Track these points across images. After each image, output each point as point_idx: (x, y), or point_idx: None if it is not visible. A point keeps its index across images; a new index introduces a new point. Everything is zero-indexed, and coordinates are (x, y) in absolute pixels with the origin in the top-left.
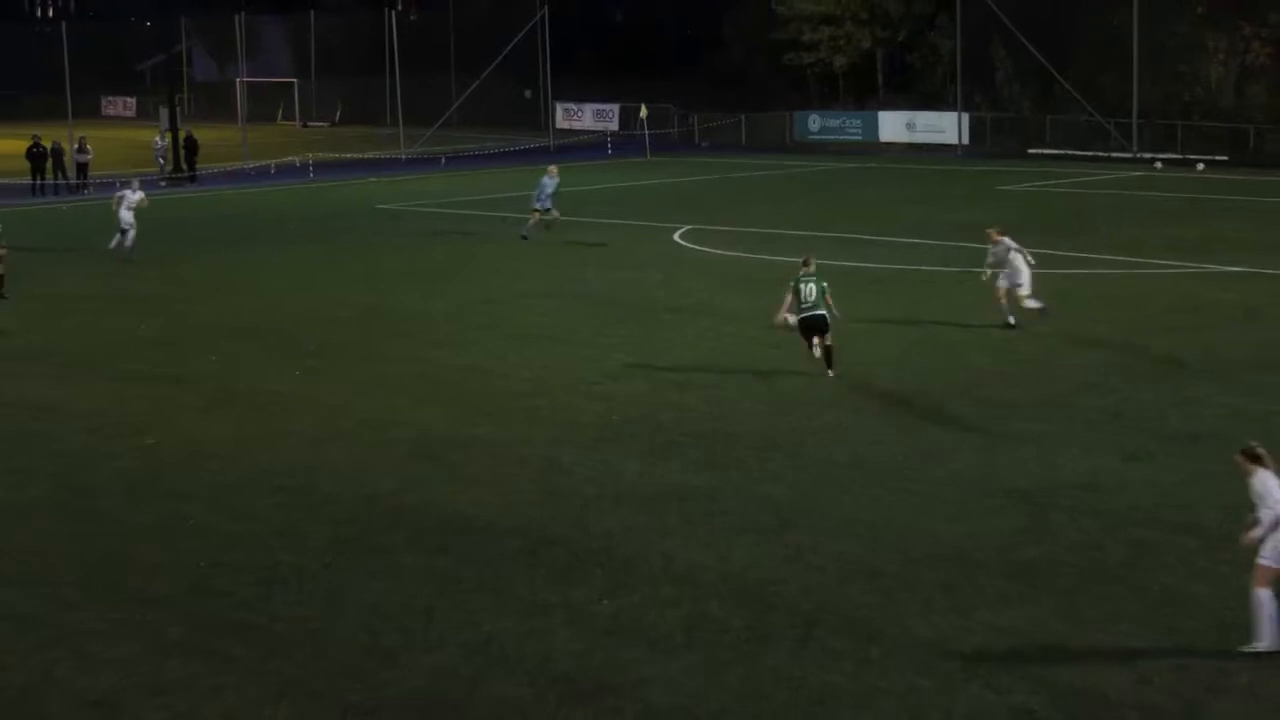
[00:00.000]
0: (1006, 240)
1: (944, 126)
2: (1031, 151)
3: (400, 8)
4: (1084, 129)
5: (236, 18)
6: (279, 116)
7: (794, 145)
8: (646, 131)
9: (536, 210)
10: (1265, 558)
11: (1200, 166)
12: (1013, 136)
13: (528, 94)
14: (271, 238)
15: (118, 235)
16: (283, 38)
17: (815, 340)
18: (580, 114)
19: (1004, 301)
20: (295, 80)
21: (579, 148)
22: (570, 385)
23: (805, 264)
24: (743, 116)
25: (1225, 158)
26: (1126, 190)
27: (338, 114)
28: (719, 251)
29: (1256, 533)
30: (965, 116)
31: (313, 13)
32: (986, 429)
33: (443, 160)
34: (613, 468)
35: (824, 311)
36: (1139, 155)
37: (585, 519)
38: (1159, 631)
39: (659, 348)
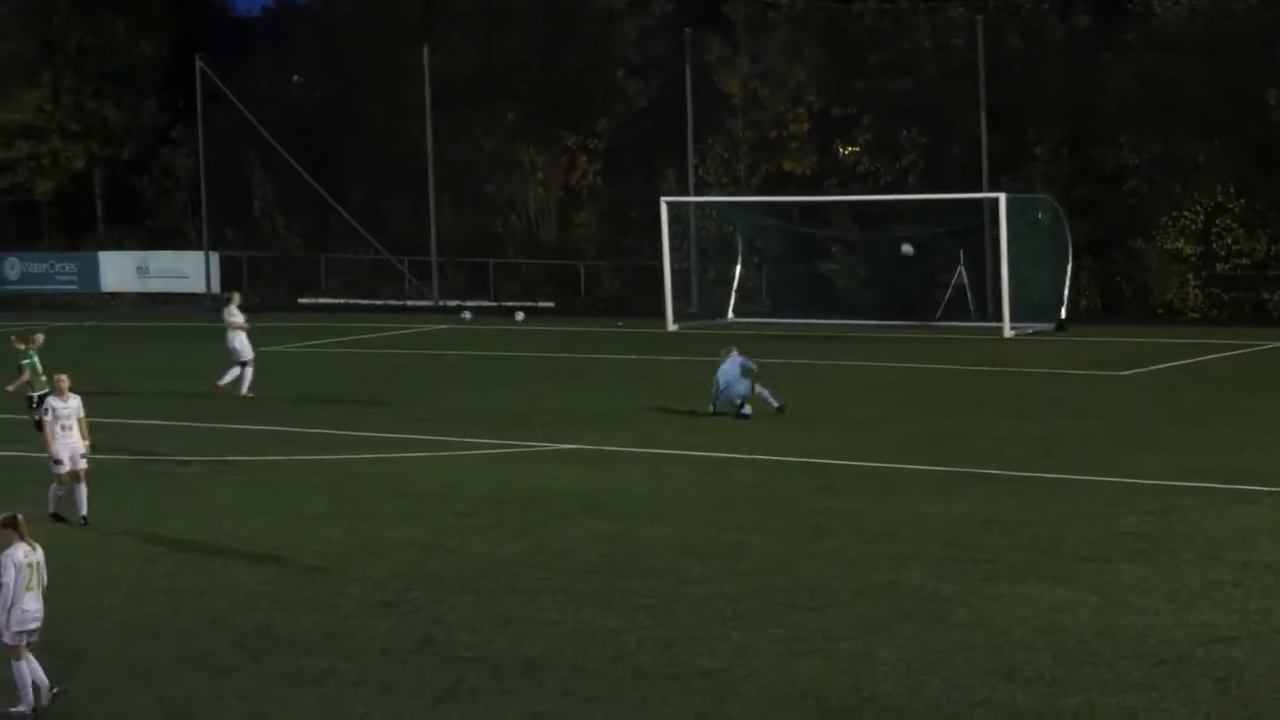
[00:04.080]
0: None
1: (187, 270)
2: (304, 301)
3: None
4: (371, 270)
5: None
6: None
7: None
8: None
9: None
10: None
11: (520, 316)
12: (280, 282)
13: None
14: None
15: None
16: None
17: None
18: None
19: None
20: None
21: None
22: None
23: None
24: None
25: (551, 304)
26: (428, 349)
27: None
28: None
29: None
30: (214, 257)
31: None
32: (254, 669)
33: None
34: None
35: None
36: (441, 303)
37: None
38: None
39: None
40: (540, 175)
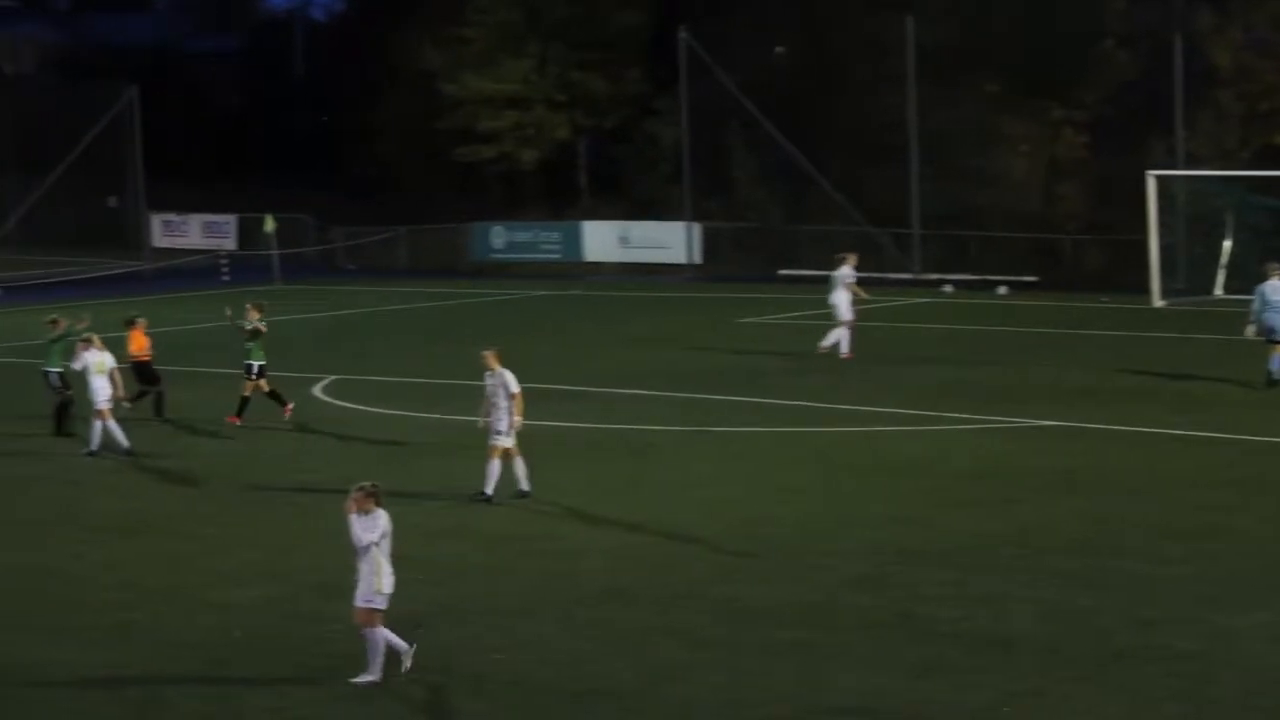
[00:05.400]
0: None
1: (669, 241)
2: (783, 273)
3: None
4: (850, 243)
5: None
6: None
7: (471, 267)
8: (274, 251)
9: None
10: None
11: (1001, 290)
12: (759, 254)
13: (112, 202)
14: None
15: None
16: None
17: None
18: (185, 228)
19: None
20: None
21: (185, 273)
22: (175, 593)
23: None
24: (401, 230)
25: (1033, 278)
26: (907, 322)
27: None
28: (373, 409)
29: None
30: (697, 228)
31: None
32: (731, 640)
33: None
34: (234, 700)
35: None
36: (922, 277)
37: None
38: None
39: (290, 540)
40: (1024, 147)
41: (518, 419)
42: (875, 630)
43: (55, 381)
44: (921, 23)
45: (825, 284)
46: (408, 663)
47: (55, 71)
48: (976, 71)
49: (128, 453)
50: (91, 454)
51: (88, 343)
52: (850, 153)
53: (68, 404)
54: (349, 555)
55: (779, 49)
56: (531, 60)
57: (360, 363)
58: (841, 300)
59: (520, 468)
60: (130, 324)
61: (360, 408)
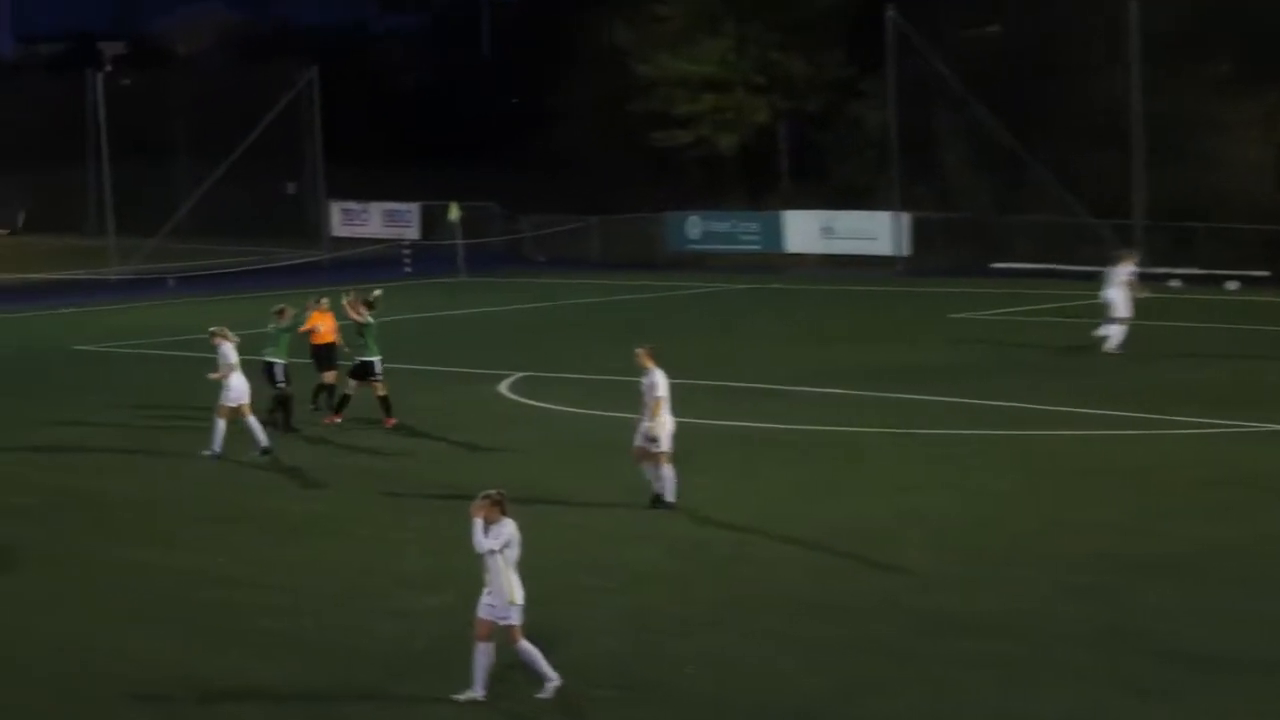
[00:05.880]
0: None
1: (876, 231)
2: (995, 266)
3: (110, 68)
4: (1068, 234)
5: None
6: None
7: (667, 259)
8: (459, 241)
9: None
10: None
11: (1232, 285)
12: (970, 245)
13: (289, 189)
14: None
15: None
16: None
17: None
18: (365, 216)
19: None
20: None
21: (365, 263)
22: (351, 600)
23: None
24: (594, 220)
25: (1265, 273)
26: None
27: (20, 218)
28: (562, 409)
29: None
30: (905, 218)
31: None
32: (932, 653)
33: (170, 282)
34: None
35: None
36: (1146, 270)
37: None
38: None
39: (470, 545)
40: (1254, 133)
41: (650, 423)
42: (1089, 644)
43: (279, 375)
44: (1147, 2)
45: (1038, 277)
46: (549, 692)
47: (233, 52)
48: (1204, 52)
49: (264, 451)
50: (216, 456)
51: (223, 336)
52: (1067, 138)
53: (287, 400)
54: (530, 563)
55: (991, 27)
56: (729, 40)
57: (550, 359)
58: (1118, 297)
59: (665, 473)
60: (316, 305)
61: (548, 406)
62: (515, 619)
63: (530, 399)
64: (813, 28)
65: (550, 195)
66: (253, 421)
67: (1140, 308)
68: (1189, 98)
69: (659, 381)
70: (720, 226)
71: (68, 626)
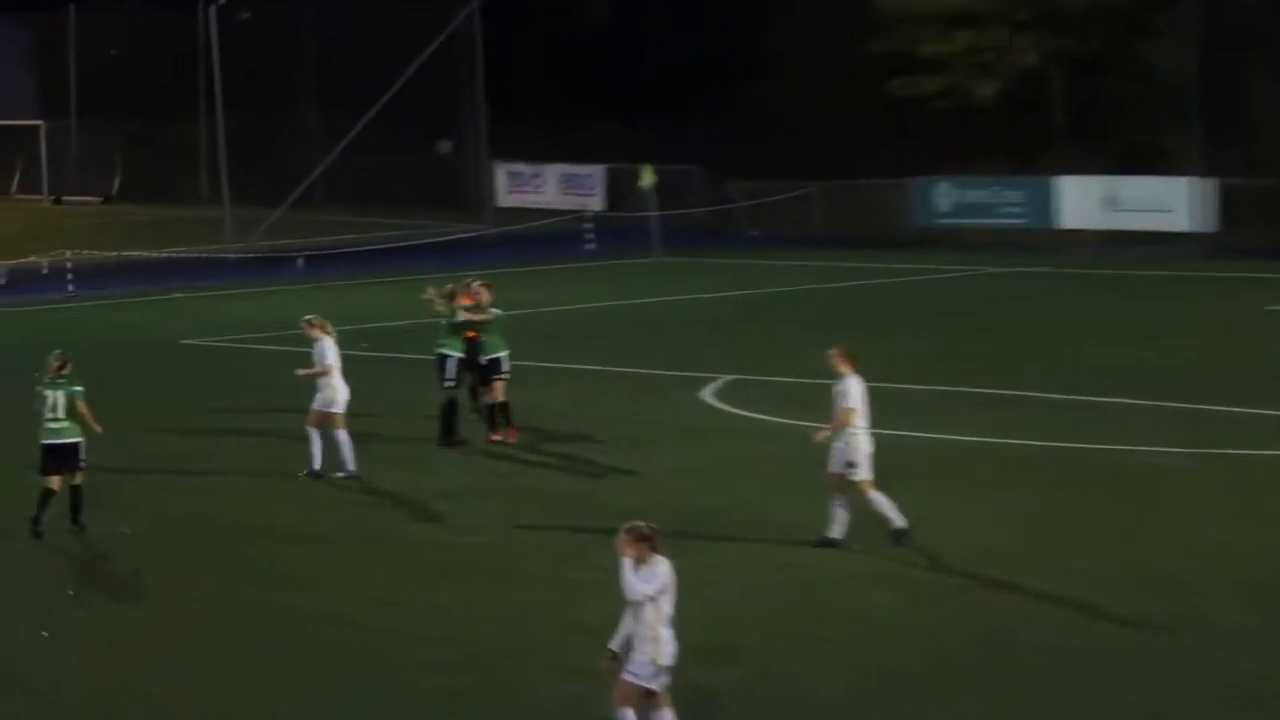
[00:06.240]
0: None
1: (1171, 202)
2: None
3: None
4: None
5: None
6: (13, 187)
7: (908, 236)
8: (653, 212)
9: None
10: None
11: None
12: None
13: (443, 148)
14: None
15: None
16: (20, 53)
17: None
18: (538, 182)
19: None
20: (42, 123)
21: (537, 240)
22: (520, 652)
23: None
24: (818, 187)
25: None
26: None
27: (116, 182)
28: (779, 420)
29: None
30: (1210, 186)
31: (72, 8)
32: None
33: (299, 262)
34: None
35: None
36: None
37: None
38: None
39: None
40: None
41: (823, 433)
42: None
43: (451, 371)
44: None
45: None
46: None
47: None
48: None
49: (352, 476)
50: (316, 475)
51: (321, 329)
52: None
53: (456, 404)
54: (732, 609)
55: None
56: None
57: (765, 359)
58: None
59: (840, 511)
60: (465, 288)
61: (762, 417)
62: (657, 685)
63: (741, 408)
64: None
65: (765, 157)
66: (343, 436)
67: None
68: None
69: (850, 389)
70: (976, 196)
71: (183, 680)
